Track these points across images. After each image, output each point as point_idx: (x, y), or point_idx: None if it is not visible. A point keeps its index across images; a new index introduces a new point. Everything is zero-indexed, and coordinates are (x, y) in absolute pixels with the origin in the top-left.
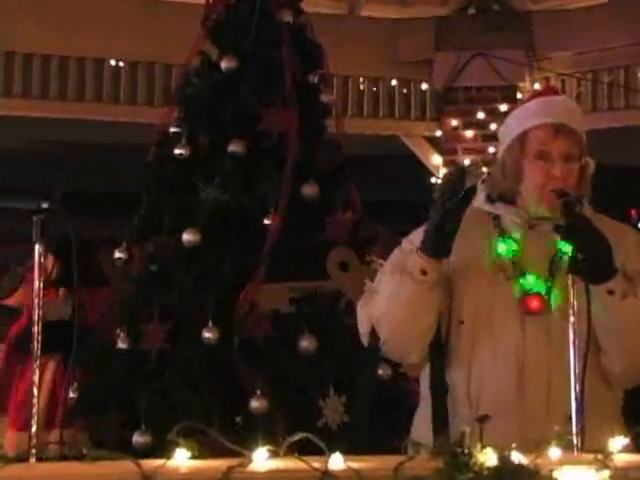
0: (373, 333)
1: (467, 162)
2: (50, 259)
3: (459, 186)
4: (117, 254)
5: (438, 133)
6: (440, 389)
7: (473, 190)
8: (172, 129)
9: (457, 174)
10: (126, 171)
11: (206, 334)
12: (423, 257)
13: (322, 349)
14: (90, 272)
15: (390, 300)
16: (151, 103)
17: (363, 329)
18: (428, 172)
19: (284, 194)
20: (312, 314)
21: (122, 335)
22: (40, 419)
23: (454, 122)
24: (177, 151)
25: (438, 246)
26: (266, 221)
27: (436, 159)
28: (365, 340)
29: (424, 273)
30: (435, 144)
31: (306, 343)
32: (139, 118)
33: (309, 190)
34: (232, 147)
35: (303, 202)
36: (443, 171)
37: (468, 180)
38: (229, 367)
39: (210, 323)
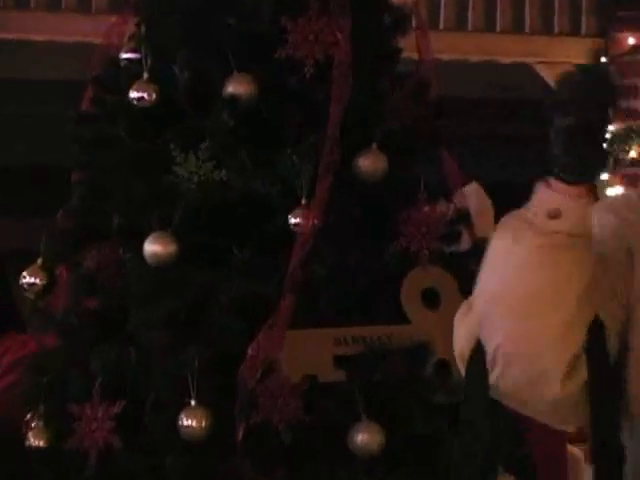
0: (476, 357)
1: None
2: None
3: None
4: (27, 278)
5: (602, 59)
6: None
7: None
8: (125, 55)
9: None
10: (44, 131)
11: (186, 420)
12: (556, 185)
13: (392, 448)
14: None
15: None
16: (87, 9)
17: (459, 349)
18: None
19: (324, 171)
20: (374, 385)
21: (36, 424)
22: None
23: (631, 40)
24: (134, 94)
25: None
26: (293, 219)
27: None
28: (462, 366)
29: (555, 217)
30: None
31: (365, 437)
32: (65, 35)
33: (369, 164)
34: (232, 87)
35: (358, 185)
36: (612, 129)
37: None
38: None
39: (193, 401)
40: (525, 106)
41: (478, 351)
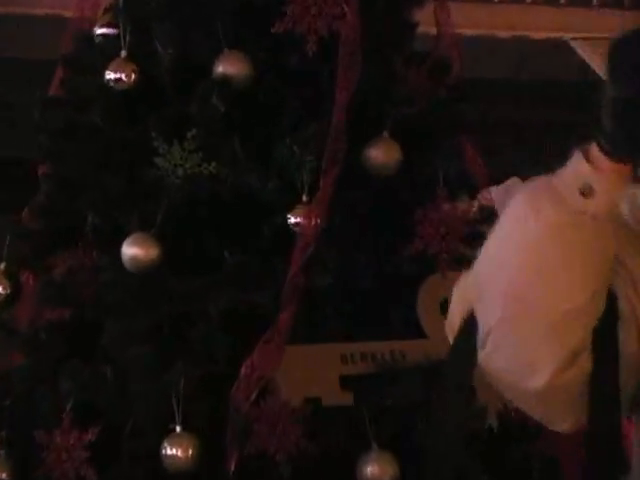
0: (467, 330)
1: None
2: None
3: None
4: None
5: None
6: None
7: None
8: (100, 30)
9: None
10: (5, 117)
11: (170, 449)
12: (595, 158)
13: None
14: None
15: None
16: None
17: (450, 317)
18: None
19: (329, 163)
20: (386, 409)
21: None
22: None
23: None
24: (111, 75)
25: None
26: (293, 218)
27: None
28: (450, 336)
29: (586, 194)
30: None
31: (376, 469)
32: (32, 7)
33: (380, 154)
34: (223, 67)
35: (368, 179)
36: None
37: None
38: None
39: (178, 427)
40: (559, 88)
41: (470, 324)
